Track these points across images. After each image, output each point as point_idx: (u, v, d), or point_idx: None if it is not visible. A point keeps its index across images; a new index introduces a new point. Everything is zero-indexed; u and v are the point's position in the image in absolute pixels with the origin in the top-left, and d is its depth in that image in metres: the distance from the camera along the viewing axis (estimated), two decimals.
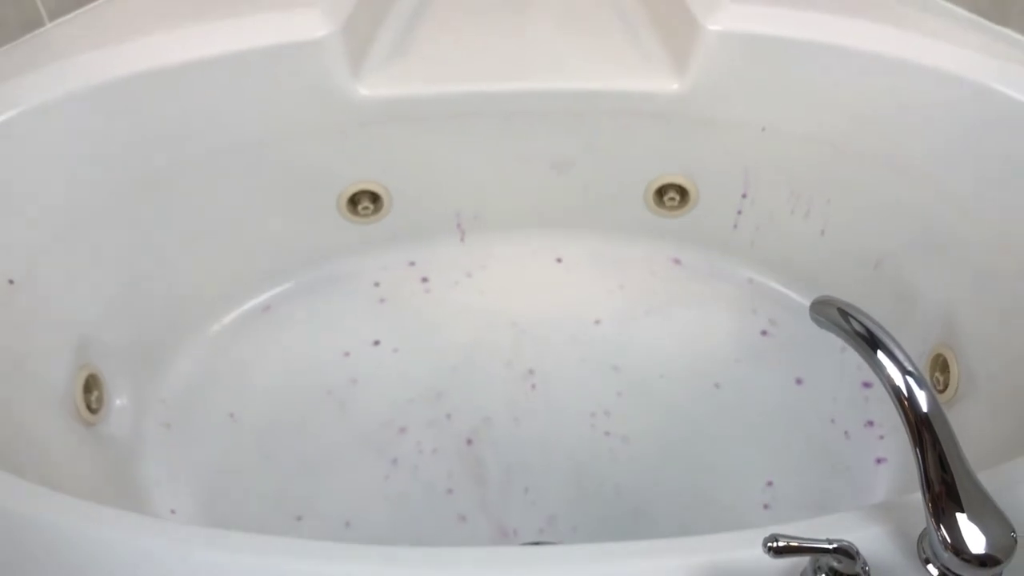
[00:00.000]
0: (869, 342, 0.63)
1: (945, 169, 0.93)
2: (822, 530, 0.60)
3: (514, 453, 0.98)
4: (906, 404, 0.59)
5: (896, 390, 0.60)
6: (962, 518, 0.55)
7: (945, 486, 0.56)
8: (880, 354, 0.61)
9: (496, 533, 0.92)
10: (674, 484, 0.96)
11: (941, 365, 0.96)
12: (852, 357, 1.05)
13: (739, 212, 1.08)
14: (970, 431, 0.89)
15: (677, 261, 1.13)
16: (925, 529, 0.60)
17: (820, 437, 1.00)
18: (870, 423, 1.00)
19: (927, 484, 0.57)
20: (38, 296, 0.89)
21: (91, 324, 0.95)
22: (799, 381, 1.04)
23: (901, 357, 0.61)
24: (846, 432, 1.00)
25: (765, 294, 1.11)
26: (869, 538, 0.60)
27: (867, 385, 1.03)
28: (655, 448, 0.99)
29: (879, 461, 0.98)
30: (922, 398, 0.59)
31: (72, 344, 0.92)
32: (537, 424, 1.00)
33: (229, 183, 1.02)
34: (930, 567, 0.59)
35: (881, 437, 0.99)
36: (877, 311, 1.03)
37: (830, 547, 0.54)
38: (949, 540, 0.55)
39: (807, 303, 1.09)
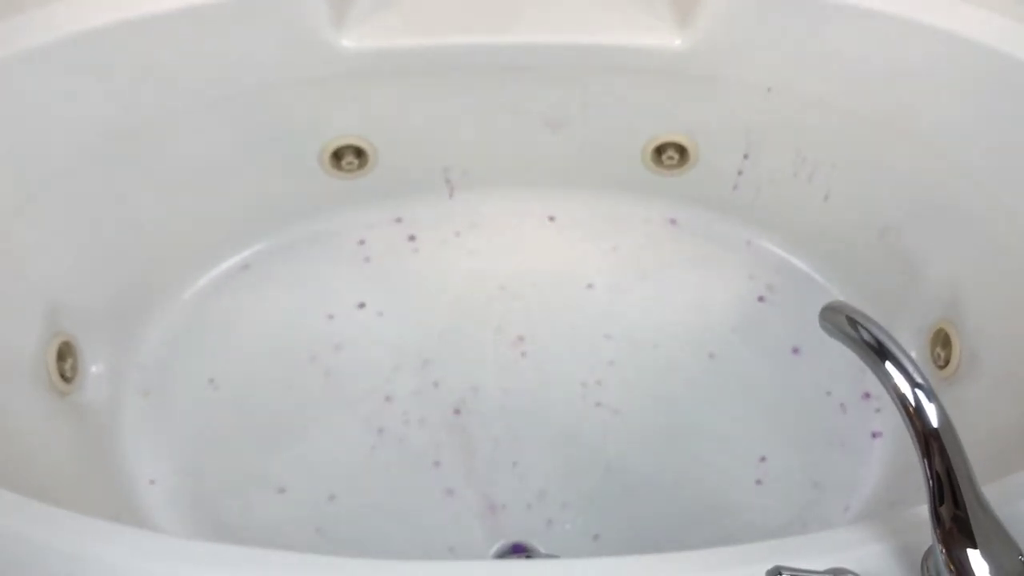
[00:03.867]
0: (878, 352, 0.60)
1: (958, 138, 0.89)
2: (821, 549, 0.58)
3: (503, 424, 0.95)
4: (914, 417, 0.56)
5: (904, 402, 0.57)
6: (974, 554, 0.53)
7: (955, 516, 0.54)
8: (888, 365, 0.58)
9: (484, 508, 0.90)
10: (665, 459, 0.94)
11: (943, 340, 0.93)
12: None
13: (740, 173, 1.04)
14: (971, 408, 0.87)
15: (673, 221, 1.09)
16: (930, 549, 0.58)
17: (815, 410, 0.98)
18: (867, 395, 0.98)
19: (936, 509, 0.55)
20: (10, 260, 0.85)
21: (64, 289, 0.91)
22: (796, 351, 1.01)
23: (911, 368, 0.58)
24: (842, 405, 0.98)
25: (763, 258, 1.07)
26: (870, 557, 0.58)
27: None
28: (647, 421, 0.96)
29: (875, 435, 0.96)
30: (931, 412, 0.56)
31: (44, 310, 0.88)
32: (527, 394, 0.97)
33: (206, 138, 0.97)
34: None
35: (877, 410, 0.97)
36: (879, 281, 1.01)
37: None
38: (956, 572, 0.54)
39: (807, 269, 1.06)
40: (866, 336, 0.60)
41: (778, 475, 0.94)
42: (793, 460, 0.95)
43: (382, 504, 0.91)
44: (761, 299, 1.05)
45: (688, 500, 0.92)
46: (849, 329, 0.62)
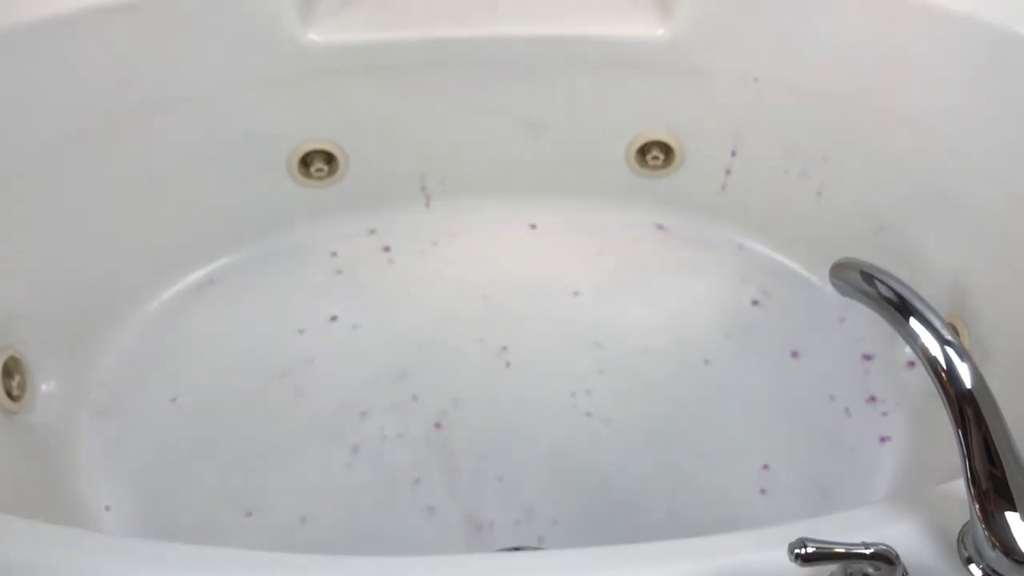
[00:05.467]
0: (900, 308, 0.54)
1: (956, 122, 0.85)
2: (848, 528, 0.52)
3: (487, 438, 0.89)
4: (945, 379, 0.51)
5: (933, 363, 0.51)
6: (1013, 517, 0.47)
7: (993, 479, 0.48)
8: (913, 322, 0.53)
9: (469, 527, 0.83)
10: (662, 469, 0.88)
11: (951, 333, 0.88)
12: (851, 327, 0.97)
13: (728, 172, 1.00)
14: None
15: (661, 227, 1.04)
16: (966, 524, 0.52)
17: (819, 415, 0.92)
18: (872, 399, 0.93)
19: (972, 475, 0.49)
20: None
21: (12, 300, 0.84)
22: (795, 355, 0.96)
23: (938, 324, 0.53)
24: (847, 409, 0.92)
25: (756, 261, 1.02)
26: (901, 535, 0.52)
27: (868, 358, 0.95)
28: (641, 430, 0.90)
29: (883, 440, 0.90)
30: (964, 372, 0.51)
31: None
32: (512, 405, 0.91)
33: (166, 143, 0.92)
34: (972, 567, 0.51)
35: (884, 414, 0.92)
36: None
37: (867, 552, 0.46)
38: (998, 540, 0.48)
39: (802, 270, 1.01)
40: (884, 291, 0.55)
41: (783, 484, 0.87)
42: (798, 468, 0.89)
43: (359, 525, 0.84)
44: (755, 303, 1.00)
45: (688, 514, 0.86)
46: (865, 285, 0.56)
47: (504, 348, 0.95)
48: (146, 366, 0.93)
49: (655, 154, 0.99)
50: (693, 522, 0.85)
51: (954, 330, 0.86)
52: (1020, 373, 0.80)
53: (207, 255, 0.99)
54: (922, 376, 0.91)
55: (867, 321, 0.95)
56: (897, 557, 0.46)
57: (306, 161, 0.98)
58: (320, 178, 0.99)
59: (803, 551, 0.45)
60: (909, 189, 0.90)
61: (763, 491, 0.87)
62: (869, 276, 0.55)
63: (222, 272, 1.00)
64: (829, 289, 0.99)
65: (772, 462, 0.88)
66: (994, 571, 0.50)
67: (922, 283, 0.91)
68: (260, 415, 0.91)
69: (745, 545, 0.52)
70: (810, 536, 0.50)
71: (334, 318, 0.97)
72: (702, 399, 0.93)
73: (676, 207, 1.03)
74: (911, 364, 0.92)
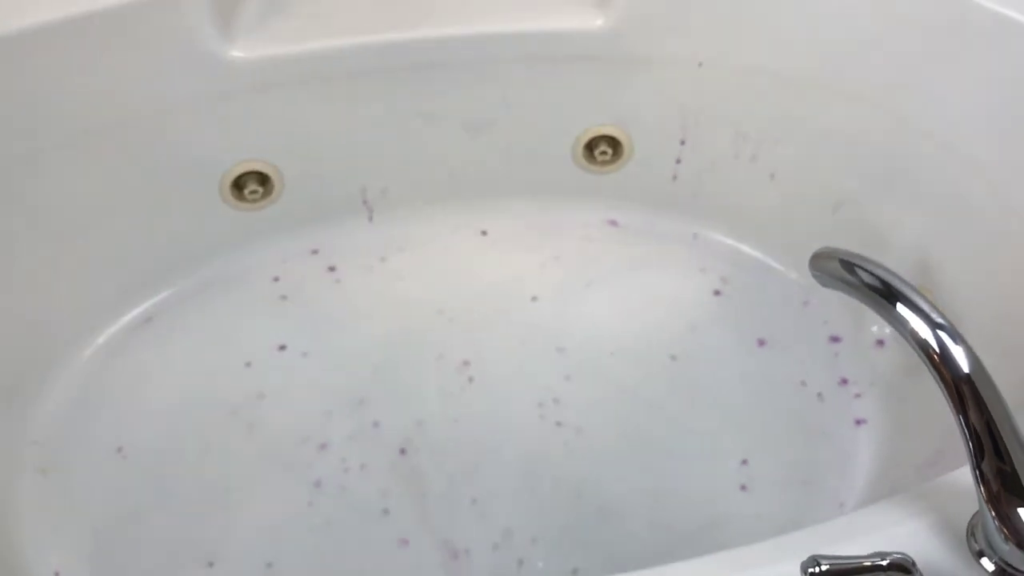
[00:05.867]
0: (885, 295, 0.52)
1: (909, 95, 0.83)
2: (855, 532, 0.49)
3: (456, 459, 0.85)
4: (940, 365, 0.48)
5: (926, 348, 0.49)
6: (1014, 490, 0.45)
7: (1000, 468, 0.46)
8: (900, 307, 0.51)
9: (445, 555, 0.79)
10: (639, 474, 0.85)
11: None
12: (816, 310, 0.95)
13: (678, 161, 0.97)
14: None
15: (614, 223, 1.01)
16: (975, 516, 0.50)
17: (792, 403, 0.90)
18: (844, 381, 0.91)
19: (978, 465, 0.47)
20: None
21: None
22: (762, 343, 0.94)
23: (927, 308, 0.50)
24: (819, 394, 0.90)
25: (714, 250, 1.00)
26: (911, 534, 0.49)
27: (835, 340, 0.93)
28: (613, 435, 0.87)
29: (859, 423, 0.88)
30: (960, 355, 0.48)
31: None
32: (479, 422, 0.87)
33: (88, 176, 0.86)
34: (984, 561, 0.49)
35: (858, 396, 0.90)
36: None
37: (883, 563, 0.43)
38: (1010, 533, 0.45)
39: (761, 256, 0.99)
40: (867, 279, 0.53)
41: (763, 477, 0.85)
42: (776, 459, 0.86)
43: (329, 565, 0.79)
44: (717, 293, 0.97)
45: (671, 517, 0.83)
46: (846, 274, 0.54)
47: (465, 363, 0.91)
48: (87, 416, 0.87)
49: (603, 149, 0.96)
50: (676, 526, 0.82)
51: None
52: (992, 342, 0.79)
53: (142, 292, 0.93)
54: (892, 355, 0.90)
55: (832, 303, 0.93)
56: (913, 564, 0.44)
57: (239, 184, 0.93)
58: (255, 200, 0.94)
59: (817, 570, 0.42)
60: (864, 165, 0.89)
61: (744, 487, 0.84)
62: (850, 264, 0.53)
63: (159, 308, 0.94)
64: (791, 274, 0.97)
65: (750, 456, 0.86)
66: (1008, 564, 0.47)
67: (885, 257, 0.89)
68: (213, 457, 0.85)
69: (756, 560, 0.49)
70: (820, 551, 0.47)
71: (283, 347, 0.92)
72: (672, 397, 0.90)
73: (628, 201, 1.00)
74: (880, 343, 0.91)
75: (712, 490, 0.84)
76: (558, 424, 0.87)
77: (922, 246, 0.86)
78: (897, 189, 0.86)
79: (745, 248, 0.99)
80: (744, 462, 0.86)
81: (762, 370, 0.92)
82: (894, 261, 0.88)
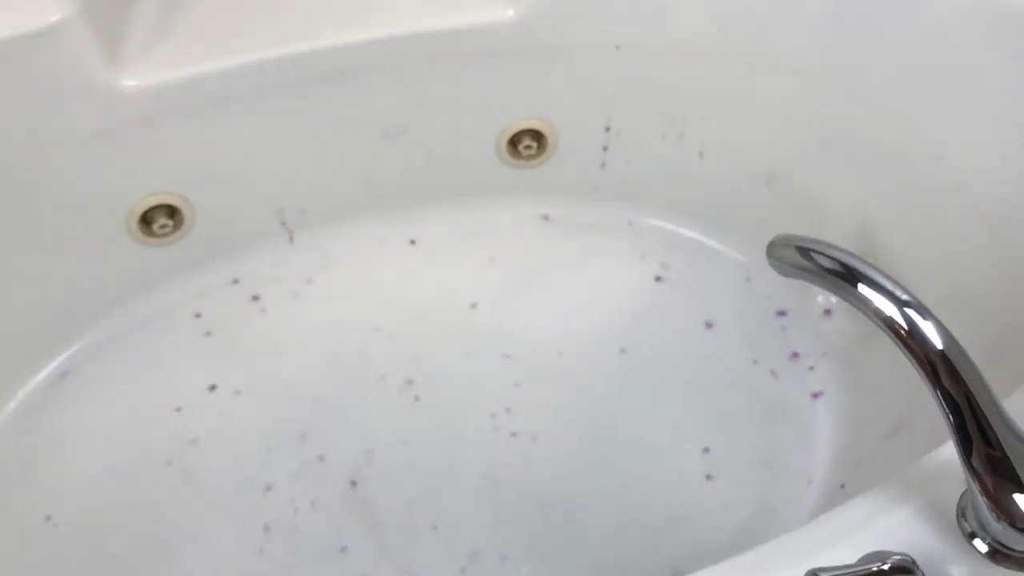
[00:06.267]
0: (845, 277, 0.50)
1: (832, 59, 0.81)
2: (844, 530, 0.47)
3: (410, 485, 0.81)
4: (912, 343, 0.46)
5: (894, 327, 0.46)
6: (1021, 497, 0.43)
7: (985, 446, 0.44)
8: (862, 287, 0.48)
9: None
10: (602, 476, 0.82)
11: None
12: (759, 286, 0.93)
13: (605, 148, 0.94)
14: None
15: (546, 217, 0.98)
16: (964, 496, 0.48)
17: (746, 383, 0.88)
18: (795, 355, 0.89)
19: (963, 444, 0.45)
20: None
21: None
22: (709, 325, 0.91)
23: (890, 285, 0.48)
24: (772, 371, 0.89)
25: (650, 235, 0.97)
26: (899, 525, 0.47)
27: (782, 314, 0.92)
28: (571, 439, 0.84)
29: (815, 396, 0.87)
30: (931, 331, 0.46)
31: None
32: (430, 443, 0.83)
33: None
34: (977, 543, 0.47)
35: (811, 368, 0.88)
36: (777, 231, 0.91)
37: (885, 567, 0.41)
38: (1002, 512, 0.43)
39: (698, 236, 0.97)
40: (826, 263, 0.50)
41: (727, 464, 0.83)
42: (738, 444, 0.84)
43: None
44: (658, 279, 0.95)
45: (639, 516, 0.80)
46: (803, 261, 0.51)
47: (409, 382, 0.87)
48: (8, 487, 0.81)
49: (527, 143, 0.93)
50: (645, 525, 0.80)
51: None
52: (943, 295, 0.78)
53: (53, 346, 0.87)
54: (841, 323, 0.88)
55: (774, 277, 0.91)
56: (913, 562, 0.41)
57: (147, 219, 0.87)
58: (166, 234, 0.88)
59: None
60: (794, 135, 0.87)
61: (709, 476, 0.82)
62: (806, 250, 0.50)
63: (75, 361, 0.87)
64: (730, 251, 0.95)
65: (711, 444, 0.84)
66: (1001, 544, 0.45)
67: (825, 226, 0.88)
68: (151, 513, 0.80)
69: (752, 568, 0.46)
70: (810, 554, 0.45)
71: (213, 387, 0.86)
72: (626, 391, 0.87)
73: (558, 194, 0.97)
74: (827, 312, 0.89)
75: (677, 483, 0.82)
76: (513, 435, 0.84)
77: (862, 211, 0.84)
78: (832, 157, 0.85)
79: (682, 230, 0.97)
80: (706, 450, 0.83)
81: (713, 353, 0.90)
82: (834, 228, 0.87)
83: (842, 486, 0.79)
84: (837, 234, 0.86)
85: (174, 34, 0.81)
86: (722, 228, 0.95)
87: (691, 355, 0.90)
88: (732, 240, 0.95)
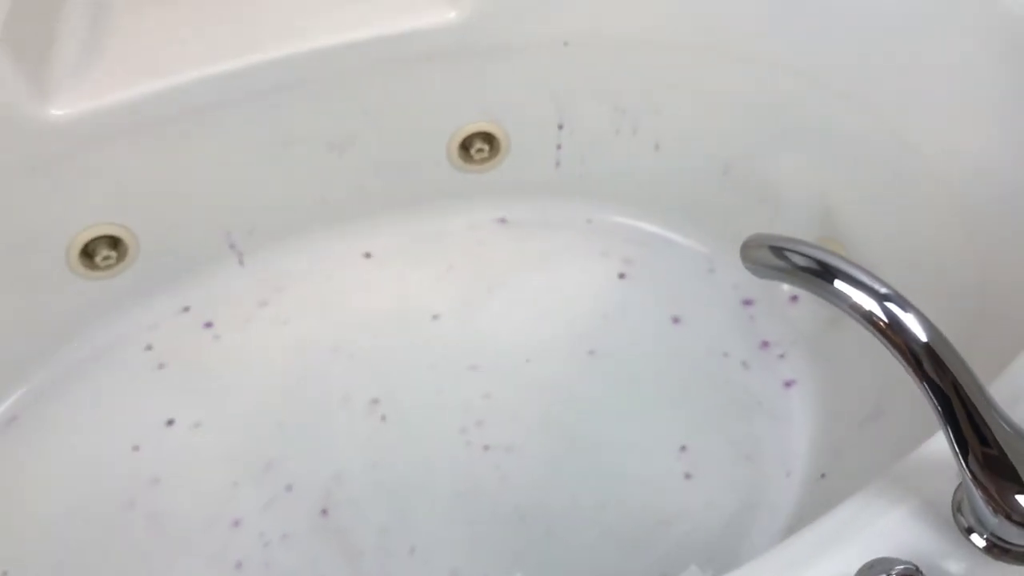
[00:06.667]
0: (821, 274, 0.48)
1: (785, 44, 0.80)
2: (841, 533, 0.45)
3: (384, 508, 0.78)
4: (894, 337, 0.44)
5: (875, 321, 0.45)
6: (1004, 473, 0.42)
7: (981, 445, 0.42)
8: (839, 284, 0.47)
9: None
10: (580, 483, 0.80)
11: None
12: (723, 276, 0.92)
13: (559, 147, 0.92)
14: None
15: (503, 221, 0.95)
16: (959, 490, 0.47)
17: (718, 377, 0.87)
18: (765, 344, 0.88)
19: (956, 438, 0.43)
20: None
21: None
22: (676, 320, 0.90)
23: (868, 280, 0.46)
24: (743, 362, 0.87)
25: (611, 232, 0.95)
26: (895, 528, 0.45)
27: (748, 303, 0.90)
28: (545, 449, 0.82)
29: (788, 384, 0.86)
30: (914, 324, 0.44)
31: None
32: (401, 463, 0.81)
33: None
34: (975, 538, 0.45)
35: (782, 356, 0.87)
36: (741, 220, 0.90)
37: None
38: (998, 507, 0.42)
39: (659, 230, 0.95)
40: (801, 262, 0.49)
41: (705, 462, 0.81)
42: (715, 440, 0.83)
43: None
44: (622, 276, 0.93)
45: (620, 522, 0.78)
46: (778, 261, 0.49)
47: (374, 401, 0.84)
48: None
49: (479, 146, 0.90)
50: (627, 531, 0.78)
51: None
52: (906, 274, 0.77)
53: (0, 391, 0.83)
54: (808, 308, 0.87)
55: (738, 266, 0.90)
56: (917, 569, 0.40)
57: (89, 252, 0.83)
58: (110, 266, 0.84)
59: None
60: (749, 123, 0.85)
61: (688, 475, 0.81)
62: (779, 250, 0.49)
63: (23, 405, 0.83)
64: (692, 243, 0.94)
65: (688, 442, 0.82)
66: (999, 538, 0.44)
67: (785, 214, 0.87)
68: (116, 559, 0.76)
69: None
70: (809, 564, 0.43)
71: (170, 421, 0.83)
72: (598, 394, 0.85)
73: (515, 196, 0.95)
74: (794, 299, 0.88)
75: (657, 485, 0.80)
76: (486, 448, 0.82)
77: (821, 195, 0.83)
78: (790, 144, 0.83)
79: (643, 225, 0.95)
80: (683, 448, 0.82)
81: (682, 348, 0.88)
82: (795, 216, 0.86)
83: (823, 476, 0.78)
84: (799, 221, 0.85)
85: (103, 57, 0.77)
86: (683, 220, 0.94)
87: (660, 352, 0.88)
88: (694, 232, 0.94)
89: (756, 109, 0.84)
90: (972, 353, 0.65)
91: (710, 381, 0.86)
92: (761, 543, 0.77)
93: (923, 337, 0.44)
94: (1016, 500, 0.42)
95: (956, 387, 0.43)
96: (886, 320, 0.45)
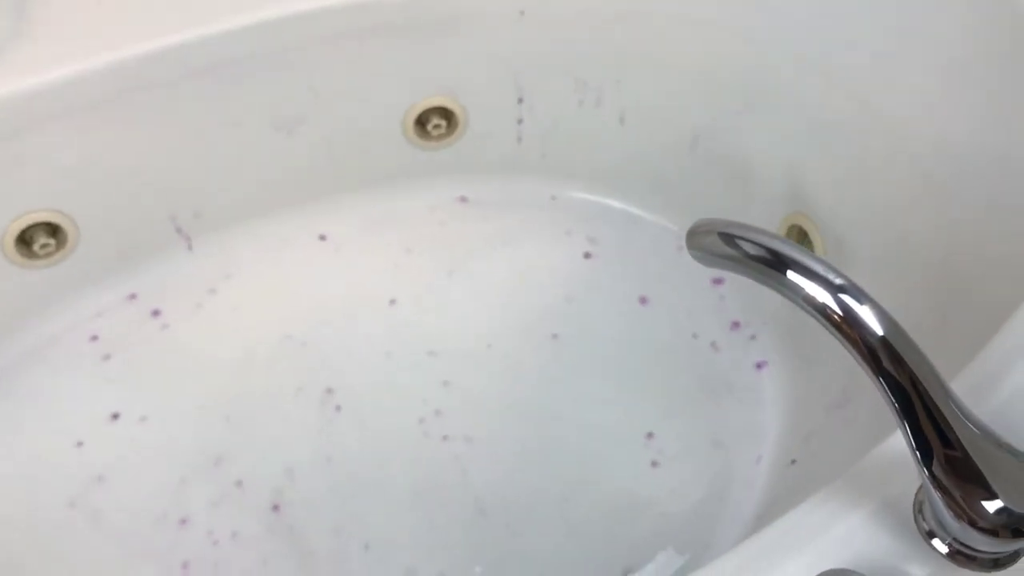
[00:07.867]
0: (773, 264, 0.45)
1: (750, 15, 0.76)
2: (798, 539, 0.42)
3: (337, 504, 0.75)
4: (848, 330, 0.41)
5: (828, 314, 0.42)
6: (992, 504, 0.39)
7: (948, 457, 0.39)
8: (792, 275, 0.44)
9: None
10: (543, 474, 0.77)
11: (798, 235, 0.81)
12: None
13: (520, 121, 0.88)
14: None
15: (464, 199, 0.92)
16: (920, 492, 0.44)
17: (687, 359, 0.83)
18: (735, 324, 0.85)
19: (915, 438, 0.40)
20: None
21: None
22: (643, 300, 0.87)
23: (822, 270, 0.43)
24: (713, 344, 0.84)
25: (575, 210, 0.92)
26: (854, 529, 0.42)
27: (718, 282, 0.87)
28: (507, 438, 0.79)
29: (760, 366, 0.83)
30: (868, 317, 0.41)
31: None
32: (356, 456, 0.78)
33: None
34: (936, 543, 0.43)
35: (753, 337, 0.84)
36: (709, 196, 0.86)
37: None
38: (960, 512, 0.39)
39: (624, 207, 0.91)
40: (752, 250, 0.46)
41: (673, 449, 0.79)
42: (683, 425, 0.80)
43: None
44: (587, 255, 0.89)
45: (585, 514, 0.75)
46: (728, 249, 0.46)
47: (328, 391, 0.81)
48: None
49: (436, 122, 0.86)
50: (592, 523, 0.75)
51: (802, 232, 0.80)
52: (880, 252, 0.74)
53: None
54: None
55: None
56: None
57: (25, 239, 0.79)
58: (49, 254, 0.80)
59: None
60: (718, 95, 0.82)
61: (655, 463, 0.78)
62: (729, 236, 0.45)
63: None
64: (659, 220, 0.91)
65: (655, 428, 0.79)
66: (962, 544, 0.41)
67: (754, 187, 0.84)
68: (58, 562, 0.73)
69: None
70: (764, 571, 0.40)
71: (115, 415, 0.80)
72: (562, 381, 0.82)
73: (475, 173, 0.91)
74: None
75: (622, 474, 0.77)
76: (445, 438, 0.79)
77: (790, 169, 0.80)
78: (758, 116, 0.80)
79: (608, 201, 0.92)
80: (650, 435, 0.79)
81: (650, 330, 0.85)
82: (765, 190, 0.82)
83: (793, 462, 0.75)
84: (768, 196, 0.82)
85: (28, 35, 0.72)
86: (649, 196, 0.90)
87: (627, 335, 0.85)
88: (661, 208, 0.90)
89: (721, 80, 0.80)
90: (944, 333, 0.63)
91: (679, 364, 0.83)
92: (731, 533, 0.74)
93: (879, 331, 0.41)
94: (983, 506, 0.39)
95: (915, 383, 0.40)
96: (840, 313, 0.42)
